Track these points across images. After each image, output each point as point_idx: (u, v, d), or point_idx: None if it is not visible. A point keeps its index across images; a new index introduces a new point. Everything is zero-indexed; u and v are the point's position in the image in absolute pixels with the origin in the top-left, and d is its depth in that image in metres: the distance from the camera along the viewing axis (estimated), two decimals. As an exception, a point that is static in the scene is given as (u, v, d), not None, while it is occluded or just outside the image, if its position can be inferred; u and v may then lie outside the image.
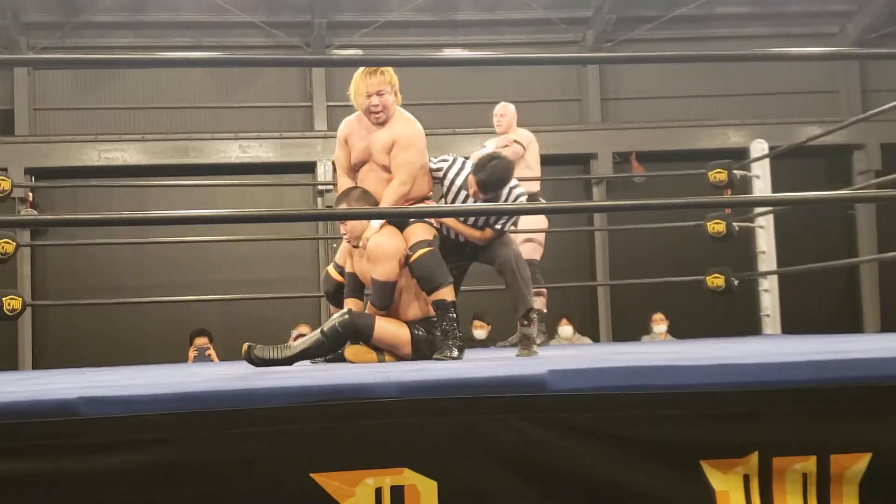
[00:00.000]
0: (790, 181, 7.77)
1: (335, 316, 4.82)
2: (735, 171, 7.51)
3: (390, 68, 5.00)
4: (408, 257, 4.86)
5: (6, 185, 6.68)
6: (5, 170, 9.40)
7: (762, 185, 7.89)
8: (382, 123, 4.95)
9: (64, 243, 11.72)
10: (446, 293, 4.85)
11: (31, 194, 12.01)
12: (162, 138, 12.74)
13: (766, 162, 7.93)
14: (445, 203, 5.17)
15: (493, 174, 4.97)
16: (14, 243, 6.38)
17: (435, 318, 4.87)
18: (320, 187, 12.67)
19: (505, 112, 7.46)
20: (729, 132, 13.26)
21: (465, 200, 5.12)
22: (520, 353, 5.07)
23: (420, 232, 4.89)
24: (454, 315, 4.87)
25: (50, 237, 12.01)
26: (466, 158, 5.30)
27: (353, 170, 5.08)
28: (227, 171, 12.65)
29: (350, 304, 5.03)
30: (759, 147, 8.05)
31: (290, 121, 13.46)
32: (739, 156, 8.50)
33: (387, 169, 4.92)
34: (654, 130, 13.25)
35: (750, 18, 14.03)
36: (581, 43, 13.83)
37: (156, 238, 10.26)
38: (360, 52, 13.40)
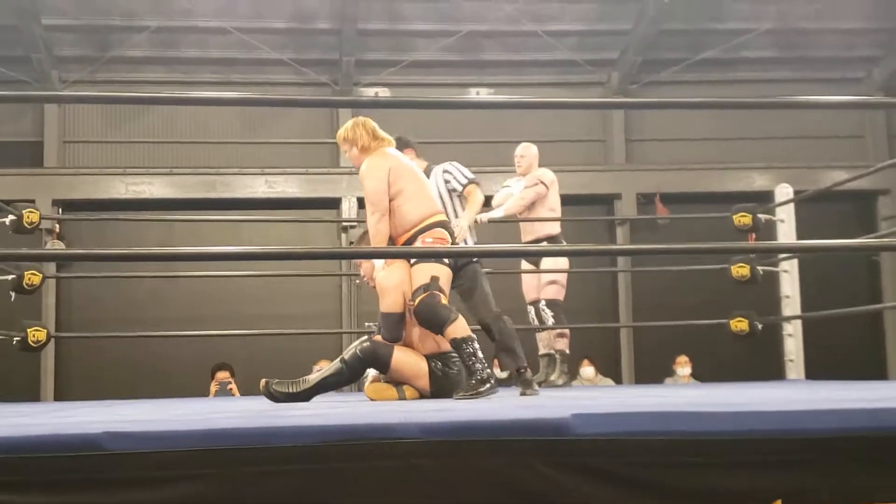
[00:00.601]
0: (815, 225, 7.76)
1: (356, 344, 4.85)
2: (759, 215, 7.50)
3: (347, 127, 5.42)
4: (411, 306, 4.90)
5: (34, 217, 6.74)
6: (33, 201, 9.48)
7: (787, 230, 7.87)
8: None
9: (89, 276, 11.77)
10: (457, 330, 4.82)
11: (58, 226, 12.11)
12: (189, 172, 12.83)
13: (791, 206, 7.91)
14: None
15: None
16: (40, 275, 6.43)
17: (453, 354, 4.88)
18: (344, 223, 12.71)
19: (525, 153, 7.48)
20: (754, 175, 13.24)
21: None
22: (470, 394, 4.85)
23: (419, 276, 4.94)
24: (471, 350, 4.80)
25: (75, 269, 12.06)
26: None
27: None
28: (253, 205, 12.73)
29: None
30: (783, 191, 8.03)
31: (316, 157, 13.53)
32: (764, 199, 8.49)
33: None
34: (678, 172, 13.25)
35: (776, 62, 14.04)
36: (606, 84, 13.87)
37: (180, 272, 10.30)
38: (386, 90, 13.48)
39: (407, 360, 4.84)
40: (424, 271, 4.95)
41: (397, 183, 5.10)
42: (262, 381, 4.71)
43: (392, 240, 5.06)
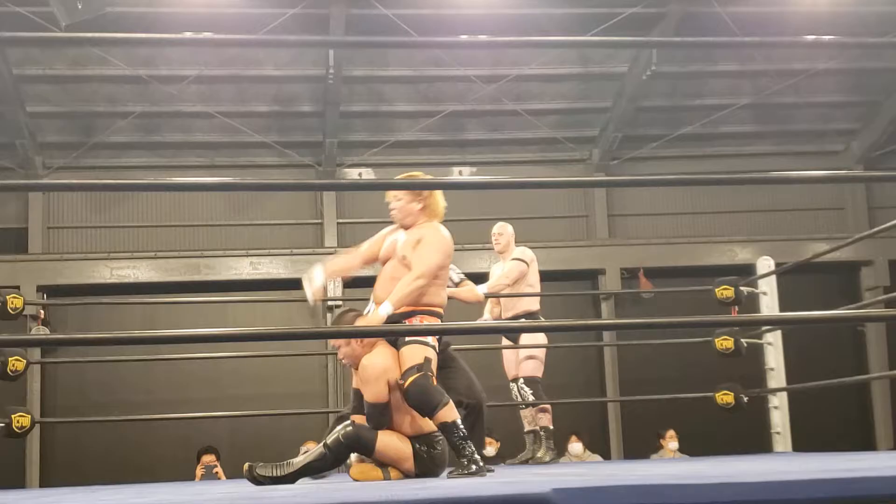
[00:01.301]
0: (798, 297, 7.81)
1: (338, 428, 4.81)
2: (742, 288, 7.54)
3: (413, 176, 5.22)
4: (400, 385, 4.85)
5: (18, 302, 6.73)
6: (18, 287, 9.47)
7: (769, 302, 7.91)
8: (406, 227, 5.19)
9: (74, 360, 11.73)
10: (447, 414, 4.80)
11: (42, 311, 12.08)
12: (174, 255, 12.85)
13: (773, 278, 7.96)
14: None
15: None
16: (24, 361, 6.40)
17: (437, 434, 4.85)
18: (329, 303, 12.72)
19: (503, 231, 7.55)
20: (736, 248, 13.34)
21: None
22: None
23: (412, 356, 4.87)
24: (461, 433, 4.80)
25: (60, 354, 12.02)
26: None
27: (369, 261, 5.48)
28: (238, 287, 12.73)
29: (357, 420, 5.02)
30: (765, 264, 8.08)
31: (301, 238, 13.57)
32: (747, 272, 8.54)
33: (405, 267, 5.05)
34: (661, 246, 13.34)
35: (754, 136, 14.20)
36: (588, 161, 14.00)
37: (164, 355, 10.29)
38: (370, 170, 13.58)
39: (391, 443, 4.81)
40: (417, 352, 4.89)
41: (446, 267, 5.14)
42: (246, 465, 4.68)
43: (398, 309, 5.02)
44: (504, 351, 7.46)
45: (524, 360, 7.24)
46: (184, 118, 13.11)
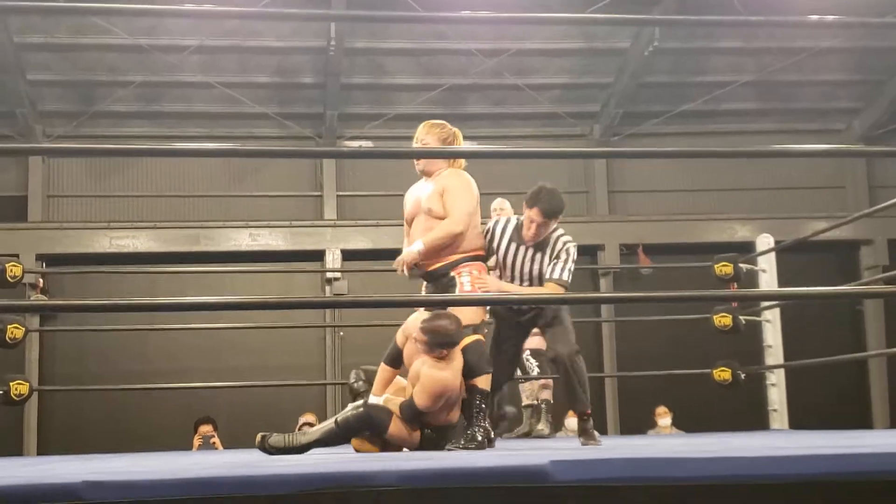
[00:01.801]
0: (797, 276, 7.79)
1: (350, 407, 4.82)
2: (741, 265, 7.53)
3: (440, 125, 5.32)
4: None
5: (17, 270, 6.72)
6: (17, 256, 9.47)
7: (768, 279, 7.91)
8: (429, 174, 5.18)
9: (72, 329, 11.74)
10: (482, 382, 4.87)
11: (41, 280, 12.07)
12: (173, 226, 12.84)
13: (773, 256, 7.95)
14: (498, 260, 5.25)
15: (553, 200, 5.19)
16: (23, 329, 6.40)
17: (449, 425, 4.85)
18: (328, 275, 12.73)
19: (504, 206, 7.53)
20: (736, 226, 13.33)
21: (516, 253, 5.20)
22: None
23: (469, 314, 4.91)
24: (483, 405, 4.86)
25: (59, 323, 12.03)
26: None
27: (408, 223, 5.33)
28: (237, 258, 12.72)
29: (384, 372, 5.05)
30: (765, 241, 8.08)
31: (301, 210, 13.57)
32: (746, 249, 8.53)
33: (436, 219, 5.07)
34: (661, 223, 13.33)
35: (756, 114, 14.17)
36: (588, 137, 13.97)
37: (163, 325, 10.30)
38: (370, 143, 13.55)
39: (402, 432, 4.80)
40: (475, 311, 4.97)
41: (476, 212, 5.13)
42: (259, 436, 4.71)
43: (436, 254, 5.05)
44: None
45: (531, 334, 7.24)
46: (184, 88, 13.07)
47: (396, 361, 5.08)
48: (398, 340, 5.12)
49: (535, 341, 7.27)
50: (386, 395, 4.97)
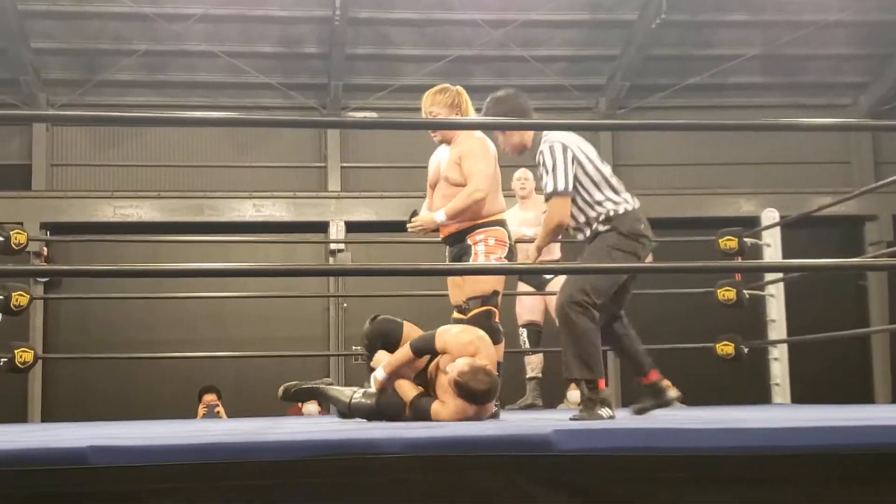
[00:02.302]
0: (802, 251, 7.77)
1: (368, 392, 4.75)
2: (746, 239, 7.52)
3: (449, 91, 5.19)
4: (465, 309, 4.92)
5: (22, 238, 6.73)
6: (21, 224, 9.47)
7: (773, 254, 7.89)
8: (447, 141, 5.16)
9: (77, 297, 11.76)
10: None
11: (45, 249, 12.09)
12: (177, 196, 12.84)
13: (777, 231, 7.94)
14: None
15: (496, 106, 4.93)
16: (28, 296, 6.41)
17: None
18: (332, 246, 12.73)
19: (530, 177, 7.55)
20: (741, 200, 13.30)
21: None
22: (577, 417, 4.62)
23: (481, 284, 4.92)
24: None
25: (63, 291, 12.06)
26: None
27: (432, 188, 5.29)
28: (240, 229, 12.73)
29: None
30: (770, 215, 8.06)
31: (305, 181, 13.56)
32: (751, 224, 8.52)
33: (454, 185, 5.05)
34: (665, 197, 13.29)
35: (763, 88, 14.11)
36: (594, 109, 13.93)
37: (167, 294, 10.31)
38: (374, 114, 13.52)
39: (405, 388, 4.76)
40: (487, 281, 4.92)
41: (496, 171, 5.12)
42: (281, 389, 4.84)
43: (452, 219, 5.04)
44: (522, 297, 7.48)
45: (547, 307, 7.26)
46: (189, 57, 13.04)
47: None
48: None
49: (531, 311, 7.30)
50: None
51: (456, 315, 5.19)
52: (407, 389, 4.66)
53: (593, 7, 12.96)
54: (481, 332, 4.63)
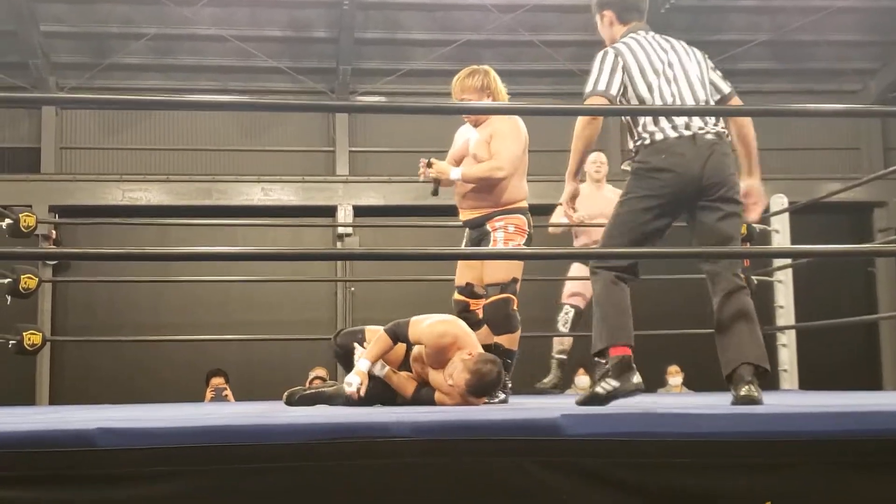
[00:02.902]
0: (810, 237, 7.78)
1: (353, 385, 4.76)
2: (754, 225, 7.50)
3: (480, 74, 5.21)
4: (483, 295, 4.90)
5: (31, 220, 6.74)
6: (30, 207, 9.48)
7: (781, 240, 7.88)
8: (478, 123, 5.16)
9: (85, 280, 11.79)
10: (511, 341, 4.92)
11: (54, 231, 12.11)
12: (185, 179, 12.85)
13: (786, 216, 7.93)
14: None
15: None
16: (36, 279, 6.43)
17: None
18: (340, 230, 12.73)
19: (603, 160, 7.57)
20: (749, 186, 13.26)
21: None
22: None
23: (500, 270, 4.89)
24: (508, 363, 4.86)
25: (72, 274, 12.08)
26: None
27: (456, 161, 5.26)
28: (249, 213, 12.74)
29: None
30: (778, 201, 8.05)
31: (313, 165, 13.55)
32: (759, 210, 8.49)
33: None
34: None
35: (772, 74, 14.06)
36: (603, 94, 13.89)
37: (175, 277, 10.32)
38: (383, 98, 13.50)
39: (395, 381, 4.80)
40: (505, 268, 4.86)
41: (524, 155, 5.08)
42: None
43: (472, 202, 5.03)
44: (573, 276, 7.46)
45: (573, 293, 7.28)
46: (197, 41, 13.02)
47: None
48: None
49: (576, 285, 7.25)
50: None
51: (456, 296, 5.19)
52: (404, 383, 4.68)
53: (601, -9, 12.90)
54: (454, 320, 4.64)
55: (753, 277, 7.48)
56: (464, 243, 5.31)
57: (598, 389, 3.97)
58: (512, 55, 13.49)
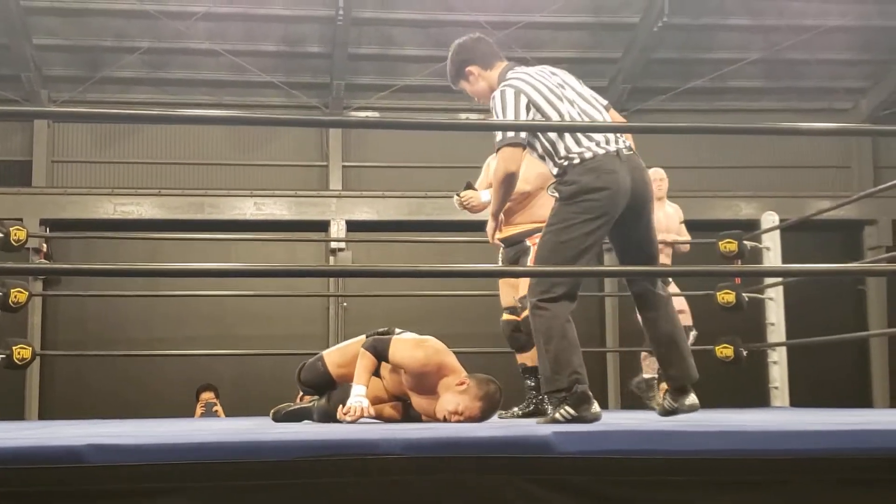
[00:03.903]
0: (801, 255, 7.78)
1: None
2: (745, 242, 7.53)
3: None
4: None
5: (21, 234, 6.73)
6: (21, 220, 9.47)
7: (773, 257, 7.91)
8: None
9: (75, 294, 11.76)
10: (526, 359, 5.11)
11: (45, 245, 12.08)
12: (178, 193, 12.83)
13: (777, 234, 7.95)
14: None
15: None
16: (26, 293, 6.41)
17: None
18: (333, 245, 12.73)
19: (665, 177, 7.66)
20: (741, 203, 13.30)
21: None
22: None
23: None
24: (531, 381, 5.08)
25: (62, 288, 12.05)
26: None
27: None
28: (241, 227, 12.72)
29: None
30: (769, 219, 8.08)
31: (306, 180, 13.55)
32: (751, 227, 8.53)
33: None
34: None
35: (764, 92, 14.12)
36: (595, 111, 13.91)
37: (166, 291, 10.31)
38: (377, 114, 13.51)
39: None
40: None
41: None
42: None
43: (509, 220, 5.03)
44: None
45: (682, 308, 7.30)
46: (191, 55, 13.03)
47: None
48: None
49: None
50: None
51: (506, 316, 5.24)
52: (390, 414, 4.69)
53: (596, 10, 12.96)
54: (434, 344, 4.61)
55: (745, 294, 7.50)
56: (500, 261, 5.33)
57: (557, 416, 3.87)
58: (505, 72, 13.51)
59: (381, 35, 13.13)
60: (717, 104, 13.97)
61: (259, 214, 12.82)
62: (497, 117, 4.12)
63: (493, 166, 5.14)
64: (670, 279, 7.15)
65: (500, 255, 5.30)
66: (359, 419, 4.40)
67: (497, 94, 4.18)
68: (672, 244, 7.47)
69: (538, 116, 4.11)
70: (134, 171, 13.34)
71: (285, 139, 13.61)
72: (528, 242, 5.01)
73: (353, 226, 12.93)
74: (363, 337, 4.78)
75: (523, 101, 4.12)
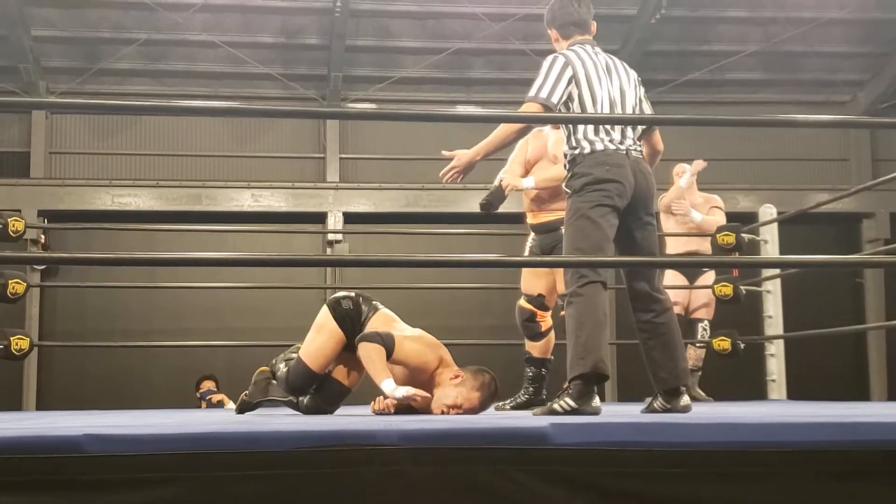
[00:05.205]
0: (799, 247, 7.80)
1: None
2: (743, 235, 7.53)
3: None
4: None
5: (19, 225, 6.72)
6: (19, 211, 9.47)
7: (770, 250, 7.90)
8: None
9: (73, 285, 11.75)
10: (535, 349, 5.21)
11: (43, 236, 12.08)
12: (175, 185, 12.82)
13: (775, 227, 7.95)
14: None
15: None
16: (25, 284, 6.41)
17: None
18: (330, 237, 12.72)
19: (685, 168, 7.78)
20: (738, 196, 13.28)
21: None
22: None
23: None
24: (542, 372, 5.24)
25: (60, 279, 12.05)
26: None
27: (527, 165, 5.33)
28: (238, 219, 12.71)
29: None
30: (767, 212, 8.08)
31: (303, 171, 13.54)
32: (748, 220, 8.53)
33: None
34: (662, 192, 13.29)
35: (761, 85, 14.11)
36: (593, 104, 13.91)
37: (164, 283, 10.31)
38: (374, 105, 13.50)
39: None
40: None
41: None
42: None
43: (546, 206, 5.10)
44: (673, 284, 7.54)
45: (706, 302, 7.52)
46: (189, 47, 13.02)
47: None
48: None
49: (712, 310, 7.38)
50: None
51: (523, 303, 5.24)
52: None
53: (593, 1, 12.90)
54: (431, 342, 4.63)
55: (742, 287, 7.51)
56: (527, 250, 5.31)
57: (556, 407, 3.94)
58: (503, 64, 13.52)
59: (379, 27, 13.12)
60: (715, 96, 13.96)
61: (256, 206, 12.81)
62: (538, 78, 4.35)
63: (531, 143, 5.15)
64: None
65: (529, 243, 5.28)
66: (414, 398, 4.37)
67: (549, 58, 4.43)
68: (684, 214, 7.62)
69: (575, 91, 4.33)
70: (132, 162, 13.33)
71: (282, 131, 13.60)
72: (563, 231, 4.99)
73: (350, 217, 12.92)
74: (326, 312, 4.75)
75: (568, 72, 4.34)
